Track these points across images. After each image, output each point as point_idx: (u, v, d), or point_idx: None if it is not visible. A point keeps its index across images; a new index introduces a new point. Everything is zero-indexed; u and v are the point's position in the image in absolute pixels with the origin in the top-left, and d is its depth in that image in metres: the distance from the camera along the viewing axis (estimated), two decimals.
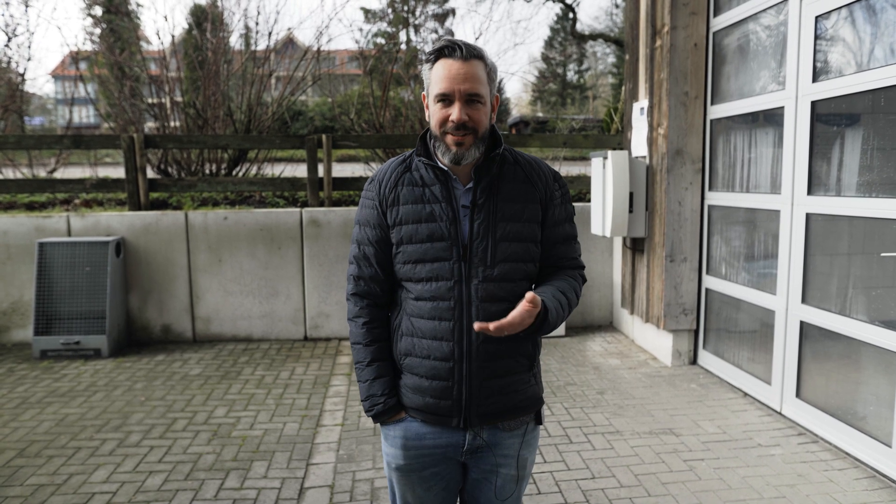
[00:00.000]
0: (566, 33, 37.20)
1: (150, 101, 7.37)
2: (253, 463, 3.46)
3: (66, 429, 3.89)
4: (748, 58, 4.22)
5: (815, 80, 3.48)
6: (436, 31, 27.36)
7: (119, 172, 7.40)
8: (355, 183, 5.84)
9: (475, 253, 1.54)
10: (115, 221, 5.49)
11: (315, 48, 6.86)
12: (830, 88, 3.39)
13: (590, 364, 5.02)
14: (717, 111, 4.50)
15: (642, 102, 4.96)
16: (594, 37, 21.94)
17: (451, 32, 27.03)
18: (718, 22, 4.45)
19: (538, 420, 1.71)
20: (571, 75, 39.04)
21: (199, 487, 3.20)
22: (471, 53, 1.48)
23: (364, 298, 1.69)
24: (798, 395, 3.75)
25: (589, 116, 24.96)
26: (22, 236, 5.46)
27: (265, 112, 6.52)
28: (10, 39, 6.95)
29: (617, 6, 22.57)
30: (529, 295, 1.43)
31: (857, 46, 3.27)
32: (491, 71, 1.54)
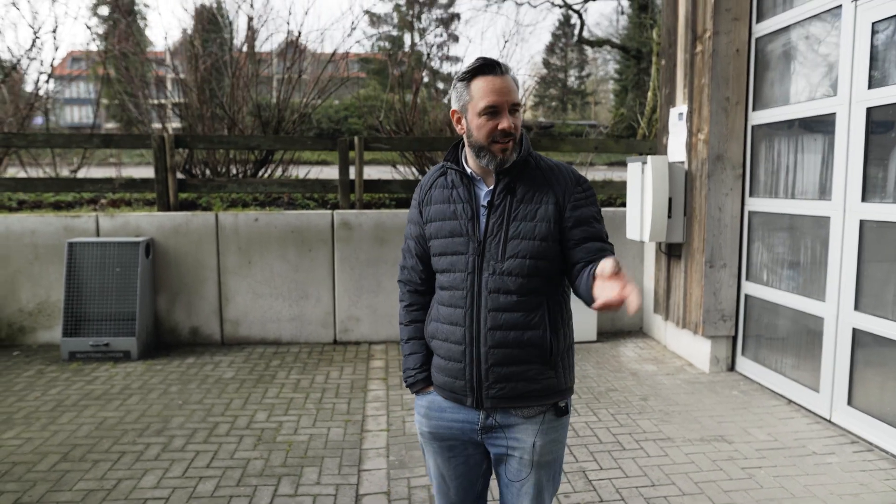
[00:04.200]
0: (567, 39, 37.38)
1: (165, 101, 7.33)
2: (304, 469, 3.41)
3: (107, 433, 3.84)
4: (794, 64, 4.22)
5: (870, 86, 3.48)
6: (441, 35, 27.41)
7: (141, 172, 7.35)
8: (386, 186, 5.81)
9: (488, 248, 1.70)
10: (144, 222, 5.44)
11: (341, 51, 6.85)
12: (888, 95, 3.38)
13: (627, 370, 5.00)
14: (759, 117, 4.50)
15: (680, 108, 4.95)
16: (600, 43, 22.00)
17: (455, 37, 27.10)
18: (761, 28, 4.45)
19: (558, 412, 1.78)
20: (572, 81, 39.16)
21: (252, 494, 3.16)
22: (506, 69, 1.68)
23: (406, 284, 1.96)
24: (850, 402, 3.74)
25: (593, 122, 25.03)
26: (50, 236, 5.39)
27: (293, 114, 6.48)
28: (36, 38, 6.88)
29: (622, 13, 22.66)
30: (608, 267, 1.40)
31: None
32: (518, 83, 1.72)
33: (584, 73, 40.05)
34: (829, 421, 3.90)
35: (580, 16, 18.58)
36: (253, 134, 6.40)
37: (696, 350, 5.02)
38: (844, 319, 3.74)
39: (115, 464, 3.44)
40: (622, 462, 3.46)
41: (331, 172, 7.15)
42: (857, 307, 3.65)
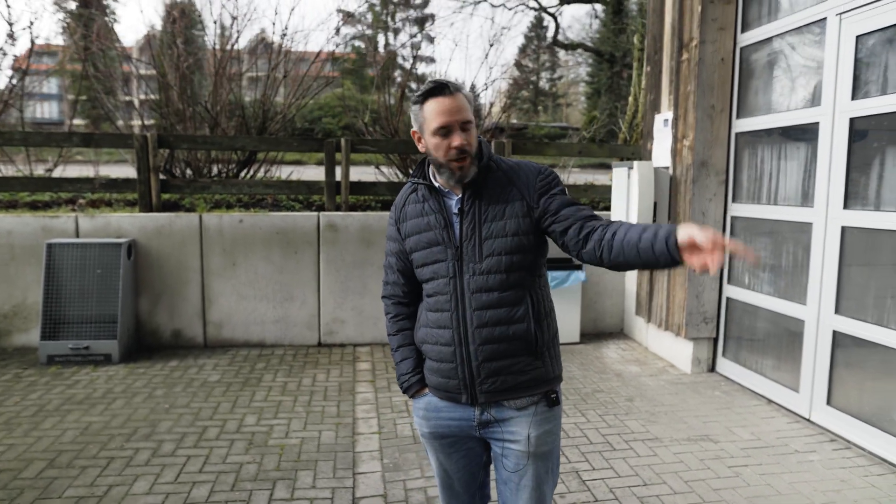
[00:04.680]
0: (540, 41, 37.69)
1: (140, 98, 7.20)
2: (298, 472, 3.40)
3: (93, 438, 3.76)
4: (777, 73, 4.35)
5: (854, 97, 3.61)
6: (415, 36, 27.36)
7: (119, 171, 7.21)
8: (372, 188, 5.80)
9: (466, 252, 1.80)
10: (125, 223, 5.34)
11: (317, 50, 6.80)
12: (871, 106, 3.52)
13: (611, 371, 5.08)
14: (743, 125, 4.62)
15: (665, 114, 5.06)
16: (574, 46, 22.24)
17: (430, 38, 27.08)
18: (746, 38, 4.57)
19: (549, 402, 1.86)
20: (544, 83, 39.50)
21: (248, 499, 3.13)
22: (455, 88, 1.76)
23: (390, 298, 2.05)
24: (829, 402, 3.87)
25: (565, 124, 25.28)
26: (27, 236, 5.26)
27: (275, 114, 6.42)
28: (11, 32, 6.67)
29: (596, 17, 22.95)
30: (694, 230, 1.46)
31: None
32: (470, 100, 1.80)
33: (555, 76, 40.43)
34: (809, 420, 4.02)
35: (555, 19, 18.74)
36: (237, 134, 6.32)
37: (678, 351, 5.13)
38: (825, 322, 3.87)
39: (105, 469, 3.38)
40: (613, 462, 3.53)
41: (307, 173, 7.12)
42: (837, 310, 3.78)
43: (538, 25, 37.02)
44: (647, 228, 1.59)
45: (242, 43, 7.23)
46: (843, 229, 3.71)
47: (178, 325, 5.51)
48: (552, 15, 19.55)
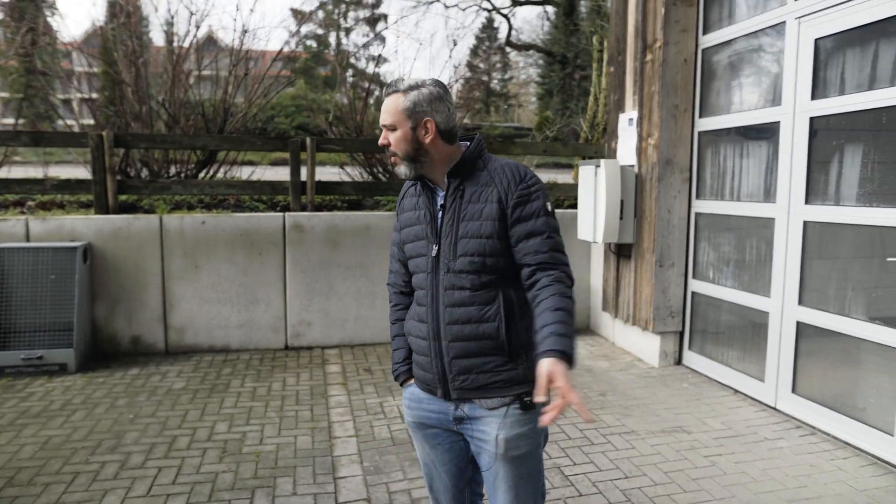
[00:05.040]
0: (491, 42, 38.00)
1: (85, 96, 6.90)
2: (277, 479, 3.32)
3: (54, 452, 3.58)
4: (738, 74, 4.49)
5: (813, 97, 3.76)
6: (367, 35, 27.20)
7: (66, 172, 6.88)
8: (338, 188, 5.71)
9: (443, 248, 1.83)
10: (80, 225, 5.10)
11: (270, 49, 6.66)
12: (829, 106, 3.67)
13: (582, 367, 5.15)
14: (706, 124, 4.76)
15: (630, 113, 5.16)
16: (527, 47, 22.50)
17: (382, 38, 26.97)
18: (707, 40, 4.71)
19: (523, 405, 1.82)
20: (495, 83, 39.83)
21: None
22: (389, 90, 1.85)
23: (392, 287, 2.10)
24: (794, 390, 4.02)
25: (517, 124, 25.54)
26: None
27: (237, 113, 6.25)
28: None
29: (548, 19, 23.27)
30: (542, 375, 1.63)
31: (856, 68, 3.56)
32: (410, 100, 1.81)
33: (506, 77, 40.84)
34: (775, 408, 4.17)
35: (508, 20, 18.92)
36: (198, 133, 6.12)
37: (645, 346, 5.24)
38: (789, 313, 4.02)
39: (70, 485, 3.22)
40: (593, 456, 3.57)
41: (265, 174, 6.95)
42: (800, 302, 3.93)
43: (489, 26, 37.32)
44: (544, 328, 1.71)
45: (200, 39, 7.01)
46: (805, 224, 3.86)
47: (138, 331, 5.30)
48: (505, 16, 19.72)
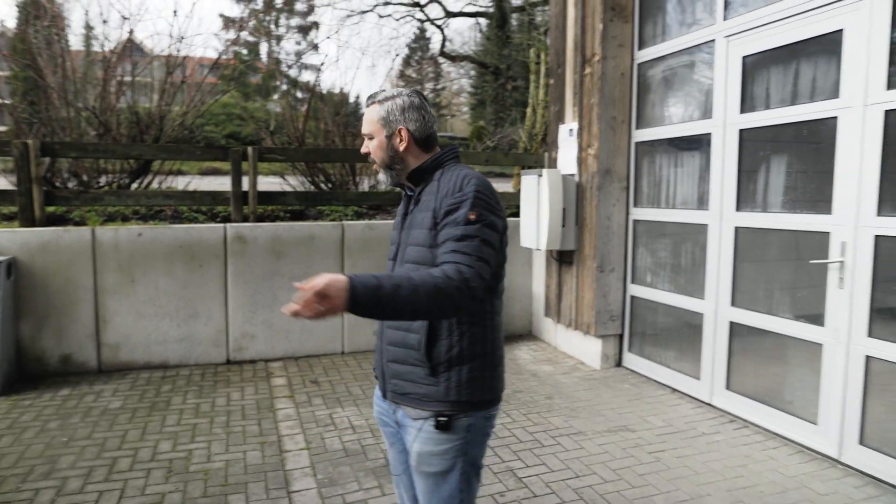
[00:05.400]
0: (423, 52, 38.26)
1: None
2: (228, 497, 3.24)
3: None
4: (672, 88, 4.73)
5: (742, 111, 4.01)
6: (299, 43, 26.85)
7: None
8: (282, 198, 5.62)
9: (398, 253, 1.92)
10: (3, 238, 4.81)
11: (210, 56, 6.50)
12: (756, 119, 3.93)
13: (527, 372, 5.26)
14: (642, 135, 4.98)
15: (570, 124, 5.34)
16: (461, 58, 22.80)
17: (314, 46, 26.68)
18: (643, 55, 4.94)
19: (437, 424, 1.81)
20: (428, 94, 40.08)
21: None
22: (369, 101, 1.93)
23: None
24: (728, 387, 4.25)
25: (450, 133, 25.79)
26: None
27: (172, 121, 6.04)
28: None
29: (481, 31, 23.67)
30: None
31: (780, 84, 3.83)
32: (384, 110, 1.90)
33: (439, 87, 41.18)
34: (711, 405, 4.39)
35: (442, 31, 19.12)
36: (132, 142, 5.88)
37: (587, 349, 5.41)
38: (722, 314, 4.26)
39: None
40: (544, 458, 3.66)
41: (196, 184, 6.75)
42: (733, 303, 4.17)
43: (422, 37, 37.57)
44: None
45: (130, 44, 6.75)
46: (736, 229, 4.11)
47: (68, 349, 5.04)
48: (439, 27, 19.93)
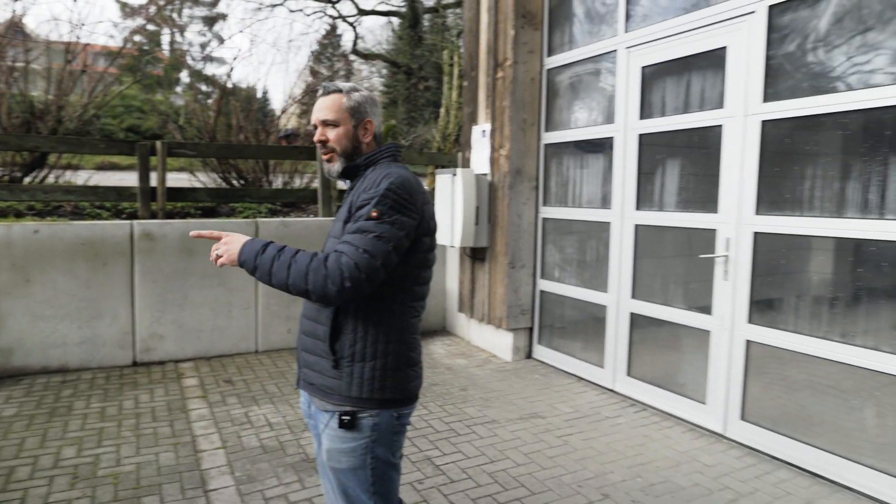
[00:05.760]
0: (334, 49, 37.77)
1: None
2: (141, 500, 3.16)
3: None
4: (578, 93, 5.02)
5: (641, 117, 4.33)
6: (203, 35, 25.79)
7: None
8: (192, 194, 5.47)
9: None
10: None
11: (108, 45, 6.19)
12: (654, 125, 4.26)
13: (442, 365, 5.41)
14: (551, 137, 5.25)
15: (483, 126, 5.53)
16: (373, 56, 22.71)
17: (220, 38, 25.71)
18: (552, 61, 5.20)
19: (340, 422, 1.83)
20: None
21: None
22: (328, 90, 1.95)
23: None
24: (629, 373, 4.57)
25: None
26: None
27: (72, 111, 5.71)
28: None
29: (393, 30, 23.66)
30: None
31: (674, 93, 4.17)
32: (354, 101, 1.93)
33: (326, 80, 40.63)
34: (613, 391, 4.71)
35: (354, 28, 18.98)
36: (28, 132, 5.51)
37: (499, 342, 5.63)
38: (623, 306, 4.57)
39: None
40: (460, 446, 3.81)
41: (94, 178, 6.44)
42: (633, 295, 4.49)
43: (332, 33, 37.06)
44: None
45: (16, 28, 6.31)
46: (636, 227, 4.43)
47: None
48: (351, 24, 19.77)
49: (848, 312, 3.33)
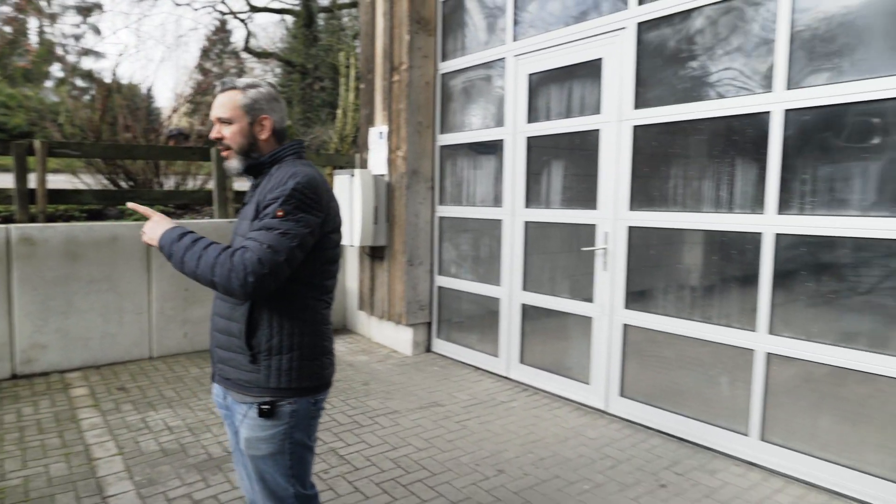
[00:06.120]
0: (224, 45, 36.45)
1: None
2: None
3: None
4: (471, 97, 5.29)
5: (529, 121, 4.66)
6: (78, 26, 24.05)
7: None
8: (76, 196, 5.22)
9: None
10: None
11: None
12: (540, 129, 4.59)
13: (344, 363, 5.50)
14: (446, 139, 5.49)
15: (380, 127, 5.68)
16: (267, 55, 22.16)
17: (97, 29, 24.08)
18: (445, 66, 5.44)
19: (260, 412, 1.90)
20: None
21: None
22: (225, 87, 1.96)
23: None
24: (521, 361, 4.89)
25: None
26: None
27: None
28: None
29: (287, 29, 23.20)
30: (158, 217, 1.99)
31: (558, 99, 4.53)
32: (249, 98, 1.94)
33: (226, 77, 39.30)
34: (508, 378, 5.01)
35: (246, 25, 18.49)
36: None
37: (399, 338, 5.80)
38: (515, 298, 4.88)
39: None
40: (363, 436, 3.95)
41: None
42: (524, 288, 4.81)
43: (221, 29, 35.74)
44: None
45: None
46: (526, 223, 4.75)
47: None
48: (243, 21, 19.24)
49: (707, 295, 3.79)
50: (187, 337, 5.63)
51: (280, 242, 1.76)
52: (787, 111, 3.26)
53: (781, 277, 3.35)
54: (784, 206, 3.31)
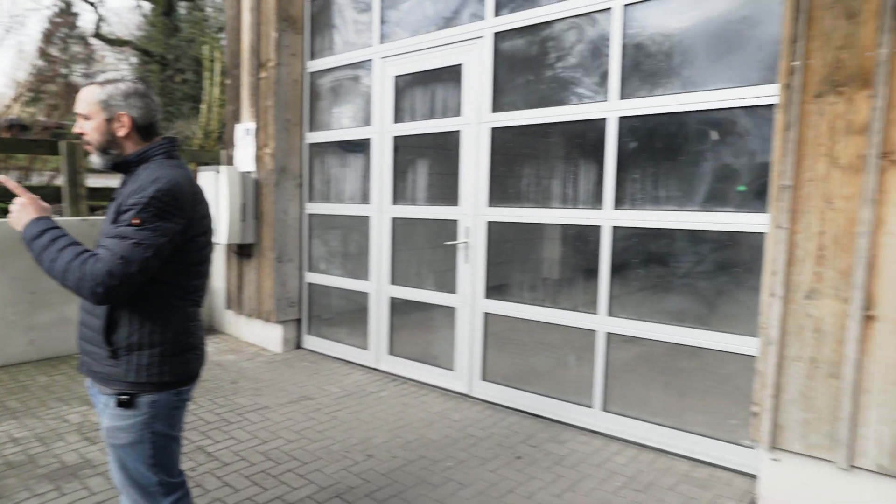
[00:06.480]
0: (70, 29, 33.38)
1: None
2: None
3: None
4: (339, 96, 5.38)
5: (395, 121, 4.84)
6: None
7: None
8: None
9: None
10: None
11: None
12: (406, 129, 4.79)
13: (211, 362, 5.37)
14: (314, 137, 5.54)
15: (247, 124, 5.61)
16: (121, 43, 20.64)
17: None
18: (314, 65, 5.49)
19: (119, 402, 1.91)
20: (78, 77, 35.08)
21: None
22: (87, 81, 1.97)
23: None
24: (391, 352, 5.06)
25: None
26: None
27: None
28: None
29: (144, 16, 21.72)
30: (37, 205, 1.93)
31: (422, 101, 4.75)
32: (105, 93, 1.91)
33: (91, 70, 36.35)
34: (377, 369, 5.17)
35: (95, 8, 17.14)
36: None
37: (268, 336, 5.76)
38: (383, 291, 5.05)
39: None
40: (233, 432, 3.93)
41: None
42: (392, 281, 4.99)
43: (67, 12, 32.71)
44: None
45: None
46: (393, 220, 4.94)
47: None
48: (92, 4, 17.82)
49: (557, 283, 4.18)
50: (34, 344, 5.22)
51: (133, 253, 1.75)
52: (621, 118, 3.70)
53: (618, 265, 3.79)
54: (619, 202, 3.75)
